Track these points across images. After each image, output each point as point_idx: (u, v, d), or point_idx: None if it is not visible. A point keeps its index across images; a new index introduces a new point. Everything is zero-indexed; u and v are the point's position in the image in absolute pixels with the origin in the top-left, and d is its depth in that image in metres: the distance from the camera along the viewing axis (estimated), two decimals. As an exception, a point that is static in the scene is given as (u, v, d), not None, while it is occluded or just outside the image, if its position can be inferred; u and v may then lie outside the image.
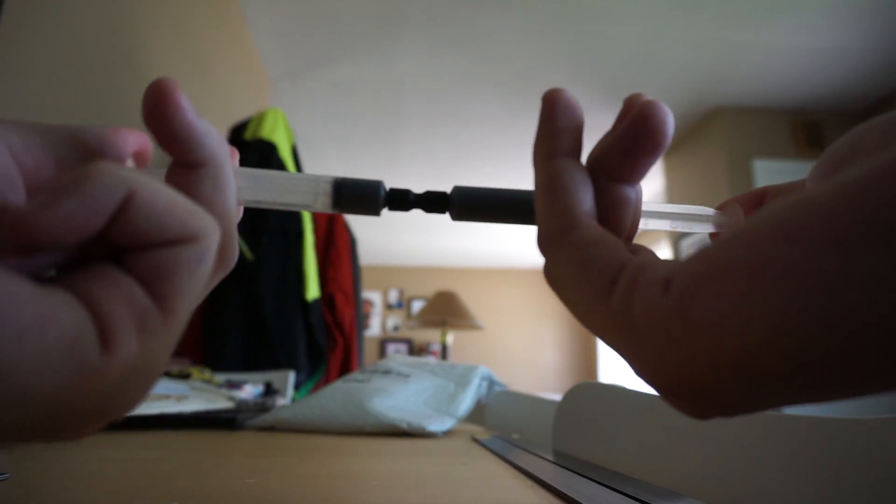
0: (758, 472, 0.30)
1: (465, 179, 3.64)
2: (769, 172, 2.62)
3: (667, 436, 0.39)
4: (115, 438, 0.54)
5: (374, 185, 0.23)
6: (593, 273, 0.17)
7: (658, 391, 0.17)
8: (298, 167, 1.48)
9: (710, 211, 0.24)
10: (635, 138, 0.19)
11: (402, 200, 0.23)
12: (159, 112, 0.18)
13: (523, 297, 5.69)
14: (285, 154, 1.39)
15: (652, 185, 3.62)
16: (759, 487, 0.30)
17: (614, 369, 5.08)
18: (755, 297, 0.13)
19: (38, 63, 0.81)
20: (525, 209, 0.23)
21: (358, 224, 3.47)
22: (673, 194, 3.19)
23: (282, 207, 0.23)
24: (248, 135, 1.37)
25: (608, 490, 0.33)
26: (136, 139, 0.21)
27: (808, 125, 2.70)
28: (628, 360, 0.17)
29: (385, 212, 0.24)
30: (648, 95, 0.20)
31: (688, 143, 2.96)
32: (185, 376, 0.85)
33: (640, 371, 0.17)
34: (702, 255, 0.15)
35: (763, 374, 0.14)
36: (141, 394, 0.17)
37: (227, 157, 0.20)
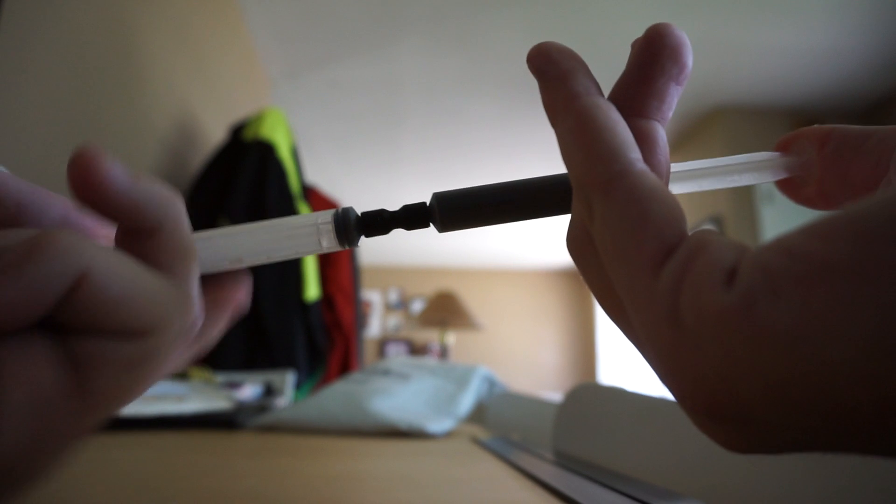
0: (758, 472, 0.30)
1: (465, 180, 3.64)
2: (769, 173, 2.62)
3: (667, 436, 0.39)
4: (114, 439, 0.54)
5: (346, 214, 0.20)
6: (647, 233, 0.14)
7: (685, 407, 0.13)
8: (298, 168, 1.48)
9: (766, 155, 0.19)
10: (652, 61, 0.17)
11: (376, 224, 0.20)
12: (87, 189, 0.15)
13: (523, 297, 5.69)
14: (285, 154, 1.39)
15: (652, 185, 3.61)
16: (759, 487, 0.30)
17: (614, 369, 5.08)
18: (862, 304, 0.10)
19: (38, 63, 0.81)
20: (525, 200, 0.19)
21: (358, 224, 3.48)
22: (673, 194, 3.18)
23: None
24: (248, 135, 1.37)
25: (608, 490, 0.33)
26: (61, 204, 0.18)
27: (808, 125, 2.69)
28: (657, 363, 0.14)
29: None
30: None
31: (688, 143, 2.96)
32: (184, 376, 0.85)
33: (669, 378, 0.13)
34: (786, 246, 0.11)
35: (843, 406, 0.10)
36: (45, 468, 0.14)
37: (182, 218, 0.17)
